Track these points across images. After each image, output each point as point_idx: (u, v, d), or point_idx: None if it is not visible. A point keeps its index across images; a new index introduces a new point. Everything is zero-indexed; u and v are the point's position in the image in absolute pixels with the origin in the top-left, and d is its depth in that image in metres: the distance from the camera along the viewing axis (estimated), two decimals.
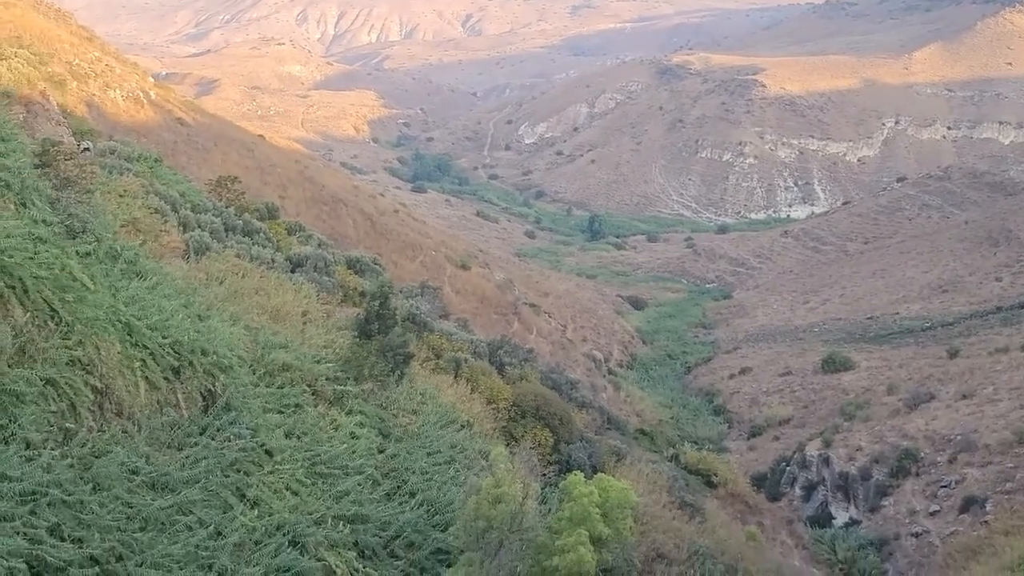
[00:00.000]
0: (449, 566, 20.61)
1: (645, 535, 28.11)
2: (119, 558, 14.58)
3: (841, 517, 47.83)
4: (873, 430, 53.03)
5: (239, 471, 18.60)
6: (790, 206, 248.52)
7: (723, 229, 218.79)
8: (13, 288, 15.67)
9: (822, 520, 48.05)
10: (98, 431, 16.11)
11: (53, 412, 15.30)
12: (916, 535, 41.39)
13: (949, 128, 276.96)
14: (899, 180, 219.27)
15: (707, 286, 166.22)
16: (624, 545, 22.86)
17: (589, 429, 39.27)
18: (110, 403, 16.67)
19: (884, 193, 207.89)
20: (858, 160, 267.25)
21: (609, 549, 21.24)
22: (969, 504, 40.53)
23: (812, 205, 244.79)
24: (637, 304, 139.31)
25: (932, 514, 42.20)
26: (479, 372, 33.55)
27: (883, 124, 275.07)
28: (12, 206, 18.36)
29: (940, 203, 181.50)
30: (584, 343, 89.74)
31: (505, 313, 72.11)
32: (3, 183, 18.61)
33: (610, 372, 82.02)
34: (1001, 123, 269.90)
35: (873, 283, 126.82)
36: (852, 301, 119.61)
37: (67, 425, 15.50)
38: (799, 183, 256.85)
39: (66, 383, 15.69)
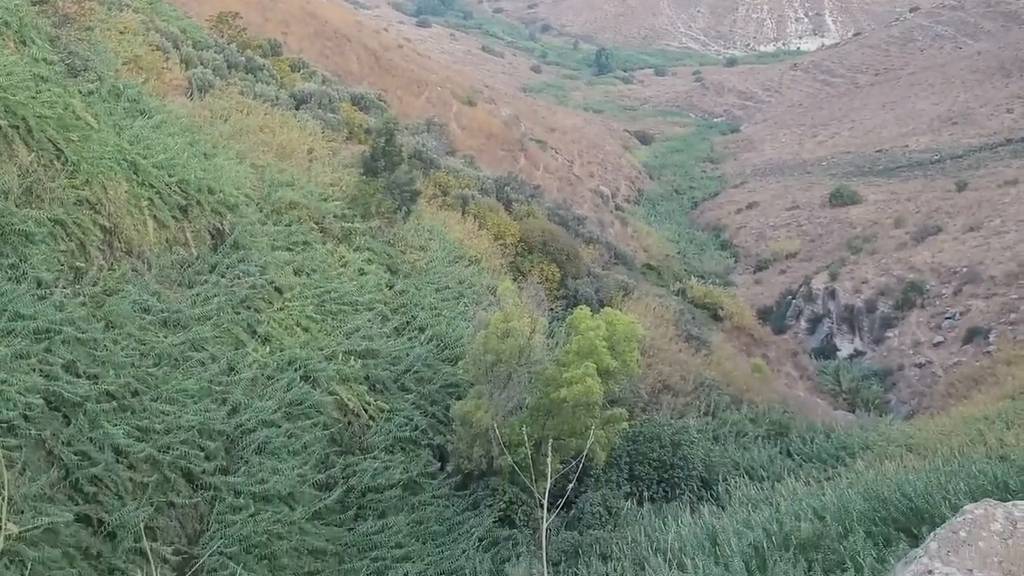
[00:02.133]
0: (458, 399, 20.97)
1: (652, 367, 28.53)
2: (134, 393, 14.85)
3: (846, 349, 48.42)
4: (879, 263, 53.24)
5: (250, 308, 18.80)
6: (800, 38, 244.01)
7: (731, 62, 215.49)
8: (17, 128, 15.56)
9: (827, 352, 48.66)
10: (108, 270, 16.21)
11: (63, 252, 15.37)
12: (919, 366, 41.96)
13: None
14: (912, 10, 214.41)
15: (715, 120, 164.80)
16: (631, 377, 23.22)
17: (596, 264, 39.41)
18: (119, 242, 16.74)
19: (896, 24, 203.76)
20: None
21: (616, 381, 21.56)
22: (973, 335, 40.99)
23: (822, 37, 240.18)
24: (644, 139, 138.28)
25: (936, 345, 42.70)
26: (486, 208, 33.51)
27: None
28: (12, 44, 18.09)
29: (953, 33, 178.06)
30: (591, 179, 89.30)
31: (511, 149, 71.46)
32: (1, 21, 18.31)
33: (617, 208, 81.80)
34: None
35: (883, 116, 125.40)
36: (861, 134, 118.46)
37: (77, 264, 15.60)
38: (809, 14, 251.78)
39: (74, 223, 15.73)
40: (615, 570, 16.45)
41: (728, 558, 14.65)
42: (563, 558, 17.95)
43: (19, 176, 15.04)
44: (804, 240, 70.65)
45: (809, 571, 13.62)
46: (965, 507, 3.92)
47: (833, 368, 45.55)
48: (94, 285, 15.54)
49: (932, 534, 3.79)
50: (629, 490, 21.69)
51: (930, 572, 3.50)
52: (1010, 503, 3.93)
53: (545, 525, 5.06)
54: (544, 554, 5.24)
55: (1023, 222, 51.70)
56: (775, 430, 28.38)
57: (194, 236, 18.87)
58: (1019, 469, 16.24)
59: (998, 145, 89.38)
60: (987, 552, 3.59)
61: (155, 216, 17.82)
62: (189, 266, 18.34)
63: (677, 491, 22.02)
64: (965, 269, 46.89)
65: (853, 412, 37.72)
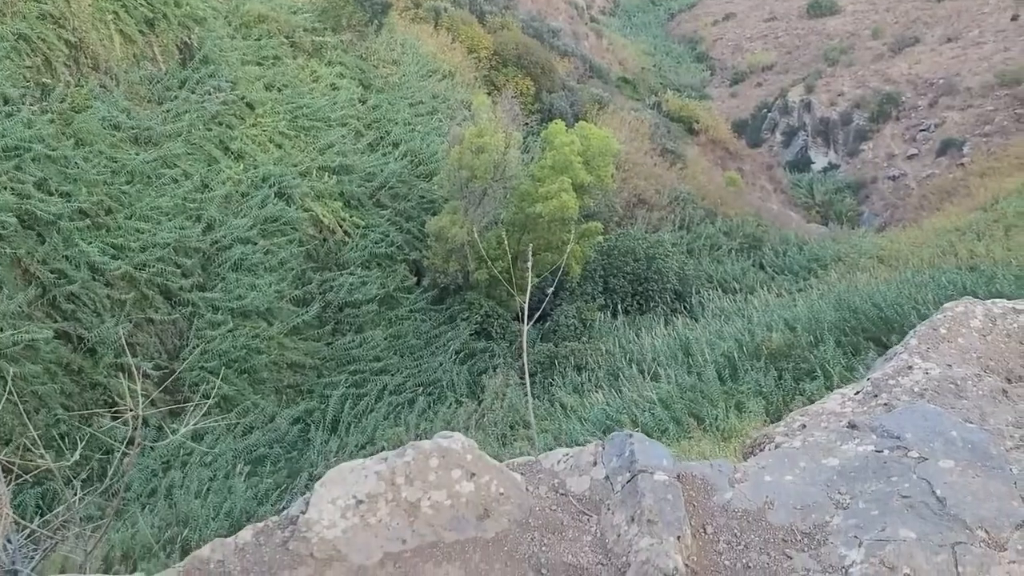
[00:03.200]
0: (434, 215, 21.01)
1: (627, 181, 28.55)
2: (108, 211, 14.79)
3: (820, 162, 48.50)
4: (856, 75, 52.83)
5: (221, 124, 18.60)
6: None
7: None
8: None
9: (801, 165, 48.74)
10: (76, 86, 15.94)
11: (28, 68, 15.06)
12: (893, 178, 42.14)
13: None
14: None
15: None
16: (606, 191, 23.29)
17: (571, 77, 38.96)
18: (85, 57, 16.39)
19: None
20: None
21: (591, 195, 21.63)
22: (947, 147, 41.03)
23: None
24: None
25: (910, 157, 42.79)
26: (460, 21, 32.93)
27: None
28: None
29: None
30: None
31: None
32: None
33: (592, 19, 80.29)
34: None
35: None
36: None
37: (44, 80, 15.31)
38: None
39: (39, 37, 15.36)
40: (590, 380, 16.81)
41: (701, 367, 14.97)
42: (538, 369, 18.31)
43: None
44: (781, 52, 69.80)
45: (780, 379, 13.94)
46: (945, 304, 3.97)
47: (807, 181, 45.74)
48: (62, 102, 15.30)
49: (913, 331, 3.85)
50: (603, 303, 21.97)
51: (910, 368, 3.56)
52: (989, 301, 3.98)
53: (525, 335, 5.11)
54: (524, 363, 5.32)
55: (1001, 32, 51.12)
56: (748, 243, 28.63)
57: (162, 51, 18.50)
58: (988, 279, 16.50)
59: None
60: (966, 348, 3.66)
61: (121, 30, 17.41)
62: (158, 82, 18.03)
63: (651, 304, 22.33)
64: (942, 81, 46.62)
65: (826, 224, 38.06)
